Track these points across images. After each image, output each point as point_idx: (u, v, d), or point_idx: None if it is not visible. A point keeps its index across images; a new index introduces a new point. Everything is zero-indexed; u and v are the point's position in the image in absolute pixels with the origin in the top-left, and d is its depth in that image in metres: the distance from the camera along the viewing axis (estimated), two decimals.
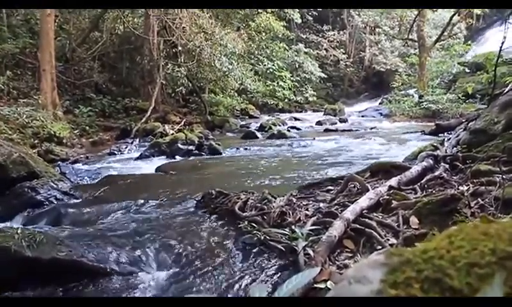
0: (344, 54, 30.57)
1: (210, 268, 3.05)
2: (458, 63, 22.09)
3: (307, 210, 3.82)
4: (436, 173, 4.26)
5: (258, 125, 16.36)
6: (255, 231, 3.31)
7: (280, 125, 16.32)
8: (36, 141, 9.66)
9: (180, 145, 9.86)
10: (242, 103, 21.03)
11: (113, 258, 3.11)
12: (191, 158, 9.44)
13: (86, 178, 7.24)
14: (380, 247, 2.84)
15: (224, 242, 3.49)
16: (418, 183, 4.07)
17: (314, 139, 12.23)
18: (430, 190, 3.89)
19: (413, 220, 3.12)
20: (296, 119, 20.12)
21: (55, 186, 5.57)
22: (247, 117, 20.68)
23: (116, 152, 10.48)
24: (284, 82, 25.03)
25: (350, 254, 2.88)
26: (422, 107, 18.72)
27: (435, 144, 6.03)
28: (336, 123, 17.83)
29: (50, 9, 11.77)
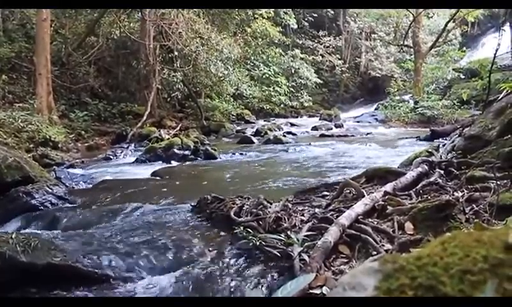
0: (339, 59, 30.63)
1: (205, 273, 3.04)
2: (453, 69, 22.29)
3: (303, 215, 3.82)
4: (431, 179, 4.27)
5: (254, 130, 16.35)
6: (250, 237, 3.30)
7: (275, 130, 16.33)
8: (31, 146, 9.62)
9: (175, 150, 9.86)
10: (238, 108, 21.06)
11: (108, 264, 3.10)
12: (187, 163, 9.43)
13: (81, 182, 7.21)
14: (375, 252, 2.85)
15: (220, 248, 3.48)
16: (414, 189, 4.08)
17: (310, 144, 12.25)
18: (425, 196, 3.90)
19: (408, 225, 3.13)
20: (291, 124, 20.14)
21: (50, 191, 5.55)
22: (243, 122, 20.63)
23: (111, 157, 10.43)
24: (280, 87, 25.06)
25: (345, 260, 2.88)
26: (418, 112, 18.86)
27: (430, 150, 6.05)
28: (331, 129, 17.87)
29: (46, 14, 11.74)
